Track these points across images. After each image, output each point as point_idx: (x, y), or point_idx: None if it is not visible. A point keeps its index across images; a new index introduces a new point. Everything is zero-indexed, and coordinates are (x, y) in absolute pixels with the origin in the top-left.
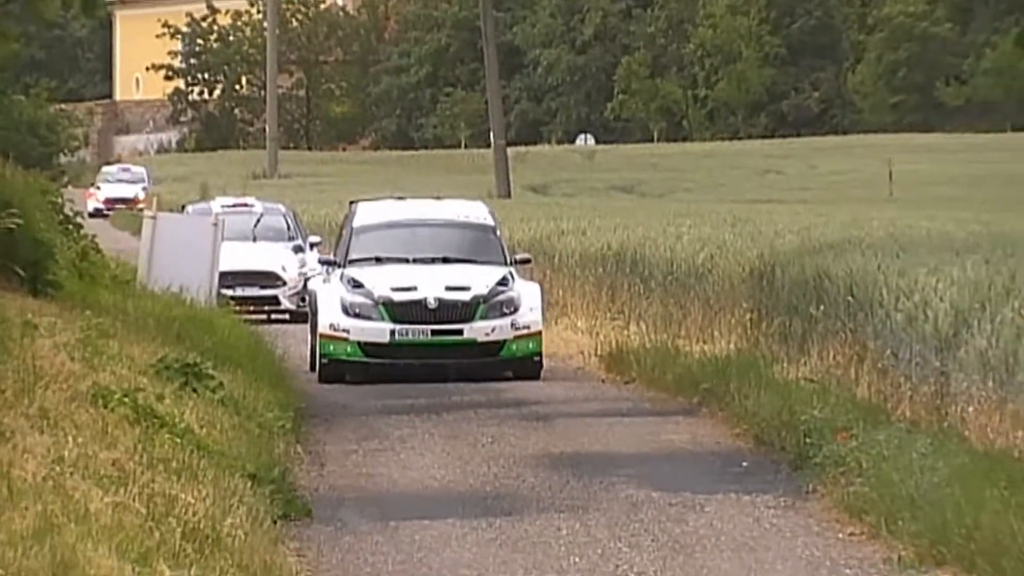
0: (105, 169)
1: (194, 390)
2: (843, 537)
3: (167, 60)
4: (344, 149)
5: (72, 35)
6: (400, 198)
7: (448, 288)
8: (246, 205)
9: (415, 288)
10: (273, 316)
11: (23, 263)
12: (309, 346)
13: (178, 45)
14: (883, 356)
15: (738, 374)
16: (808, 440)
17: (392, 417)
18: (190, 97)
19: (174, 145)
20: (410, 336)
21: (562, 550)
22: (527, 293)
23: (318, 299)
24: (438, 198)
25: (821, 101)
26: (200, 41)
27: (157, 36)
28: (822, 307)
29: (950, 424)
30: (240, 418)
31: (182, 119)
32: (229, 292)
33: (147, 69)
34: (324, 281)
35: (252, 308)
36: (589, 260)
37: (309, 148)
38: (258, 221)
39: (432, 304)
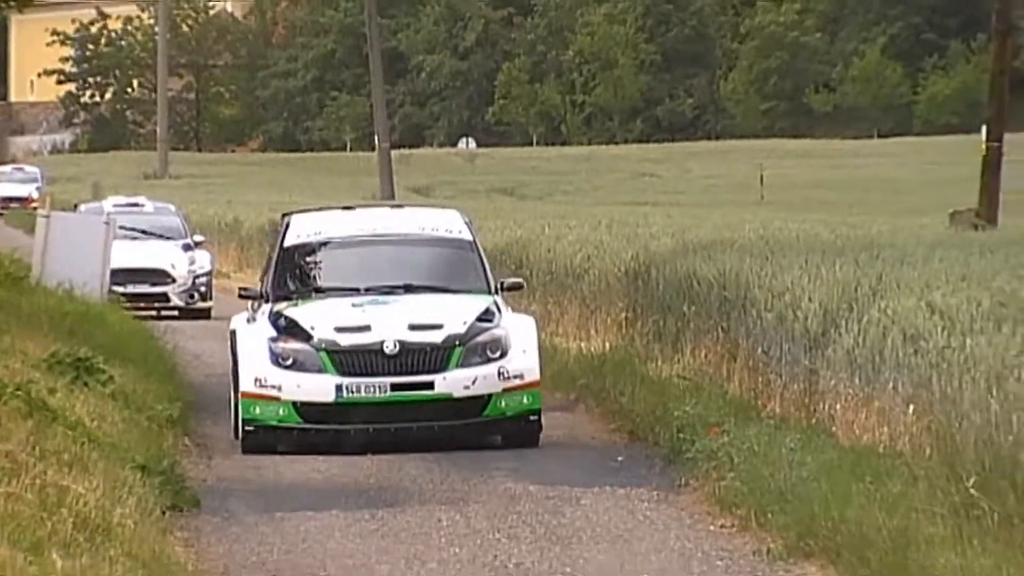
0: None
1: (85, 384)
2: (714, 530)
3: (60, 65)
4: (233, 151)
5: None
6: (348, 207)
7: (413, 327)
8: (137, 205)
9: (368, 328)
10: (163, 312)
11: None
12: (231, 403)
13: (70, 51)
14: (754, 354)
15: (614, 371)
16: (681, 435)
17: None
18: (82, 100)
19: (67, 146)
20: (363, 393)
21: (443, 540)
22: (519, 330)
23: (239, 344)
24: (398, 206)
25: (695, 107)
26: (91, 46)
27: (48, 44)
28: (694, 306)
29: (818, 420)
30: (130, 411)
31: (75, 121)
32: (120, 289)
33: (39, 75)
34: (248, 320)
35: (143, 305)
36: None
37: (199, 149)
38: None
39: (391, 349)
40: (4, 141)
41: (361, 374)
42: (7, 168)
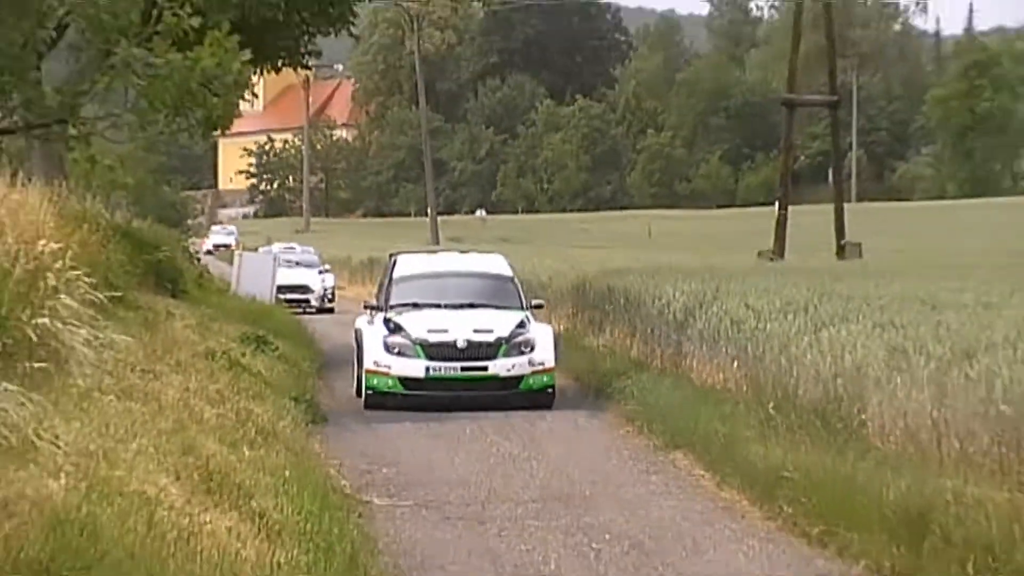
0: (213, 228)
1: (262, 350)
2: (623, 433)
3: (247, 168)
4: (347, 216)
5: (195, 152)
6: (432, 251)
7: (475, 331)
8: (291, 248)
9: (447, 331)
10: (306, 310)
11: (168, 279)
12: (355, 376)
13: (252, 160)
14: (645, 333)
15: (566, 343)
16: (604, 380)
17: None
18: (260, 188)
19: (251, 215)
20: (442, 372)
21: (467, 440)
22: (541, 334)
23: (363, 339)
24: (464, 252)
25: (612, 191)
26: (264, 157)
27: (240, 156)
28: (611, 305)
29: (682, 371)
30: (287, 366)
31: (255, 200)
32: (282, 296)
33: (235, 173)
34: (368, 323)
35: (294, 305)
36: None
37: (327, 216)
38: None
39: (462, 344)
40: (215, 211)
41: (441, 360)
42: (217, 227)
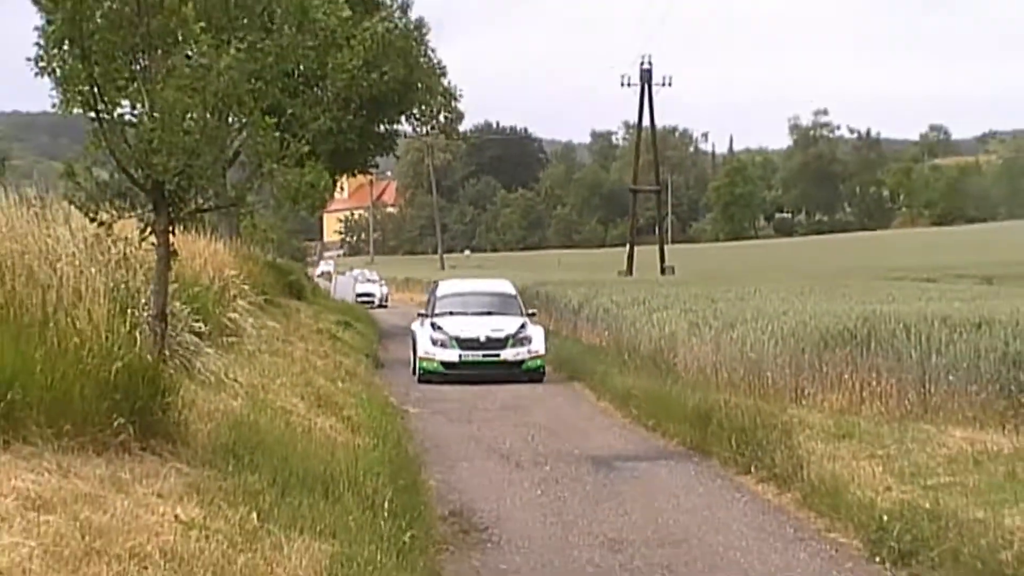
0: (320, 262)
1: (347, 328)
2: (576, 389)
3: (340, 229)
4: (394, 255)
5: (310, 221)
6: (462, 278)
7: (492, 330)
8: (363, 272)
9: (472, 330)
10: (372, 307)
11: (296, 290)
12: (412, 362)
13: (342, 224)
14: (557, 316)
15: None
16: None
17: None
18: (346, 239)
19: (342, 254)
20: (470, 358)
21: (488, 394)
22: (536, 332)
23: (416, 336)
24: (482, 278)
25: (538, 240)
26: (348, 223)
27: (337, 223)
28: (538, 301)
29: (577, 337)
30: (362, 337)
31: (343, 246)
32: (359, 299)
33: (333, 231)
34: (420, 325)
35: (366, 304)
36: None
37: (384, 255)
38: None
39: (483, 339)
40: (321, 254)
41: (470, 349)
42: (322, 262)
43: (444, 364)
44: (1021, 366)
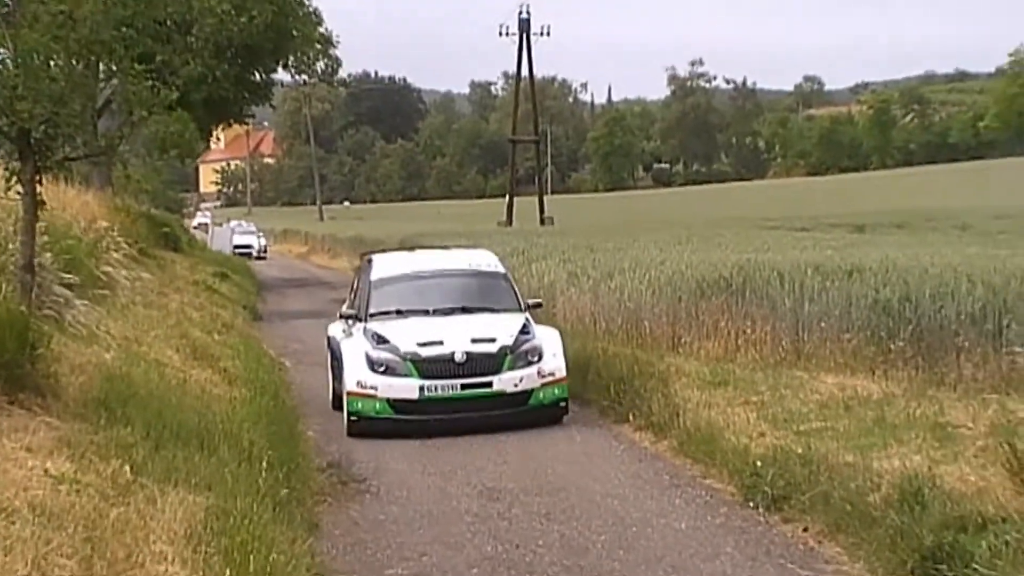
0: (197, 214)
1: (224, 280)
2: None
3: (215, 180)
4: (272, 207)
5: (187, 171)
6: (410, 249)
7: (474, 340)
8: (241, 224)
9: (441, 342)
10: (250, 258)
11: (171, 242)
12: (331, 392)
13: (218, 175)
14: None
15: None
16: None
17: (291, 289)
18: (223, 191)
19: (218, 206)
20: (439, 391)
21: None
22: (548, 339)
23: (343, 355)
24: (445, 247)
25: (418, 191)
26: (225, 174)
27: (212, 174)
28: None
29: None
30: (240, 290)
31: (220, 198)
32: (236, 251)
33: (210, 183)
34: (345, 334)
35: (243, 255)
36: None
37: (261, 206)
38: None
39: (460, 358)
40: (198, 205)
41: (437, 377)
42: (199, 213)
43: (395, 404)
44: (890, 313)
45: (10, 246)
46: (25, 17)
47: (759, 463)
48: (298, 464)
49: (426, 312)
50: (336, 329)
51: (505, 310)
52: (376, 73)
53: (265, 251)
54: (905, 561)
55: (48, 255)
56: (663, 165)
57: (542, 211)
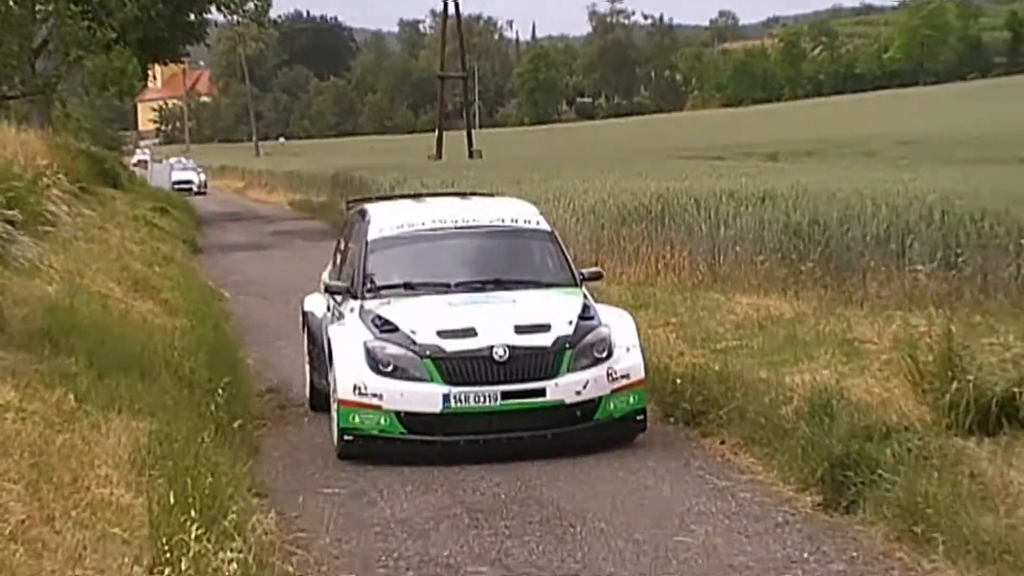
0: (136, 151)
1: (164, 215)
2: None
3: (153, 119)
4: (210, 144)
5: (125, 109)
6: (416, 196)
7: (519, 329)
8: (182, 161)
9: (472, 331)
10: (190, 193)
11: (111, 179)
12: (307, 380)
13: (156, 114)
14: (372, 195)
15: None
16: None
17: (229, 223)
18: (161, 129)
19: (157, 143)
20: (471, 402)
21: (277, 258)
22: (619, 326)
23: (332, 346)
24: (462, 195)
25: (351, 127)
26: (162, 112)
27: (150, 112)
28: (350, 185)
29: None
30: (179, 224)
31: (159, 135)
32: (176, 187)
33: (148, 121)
34: (333, 315)
35: (183, 191)
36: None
37: (199, 143)
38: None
39: (500, 355)
40: (137, 143)
41: (470, 383)
42: (138, 151)
43: (407, 420)
44: (801, 236)
45: None
46: None
47: (678, 381)
48: (238, 390)
49: (446, 287)
50: (316, 304)
51: (554, 284)
52: (308, 13)
53: (205, 187)
54: (815, 469)
55: None
56: (586, 99)
57: (471, 145)
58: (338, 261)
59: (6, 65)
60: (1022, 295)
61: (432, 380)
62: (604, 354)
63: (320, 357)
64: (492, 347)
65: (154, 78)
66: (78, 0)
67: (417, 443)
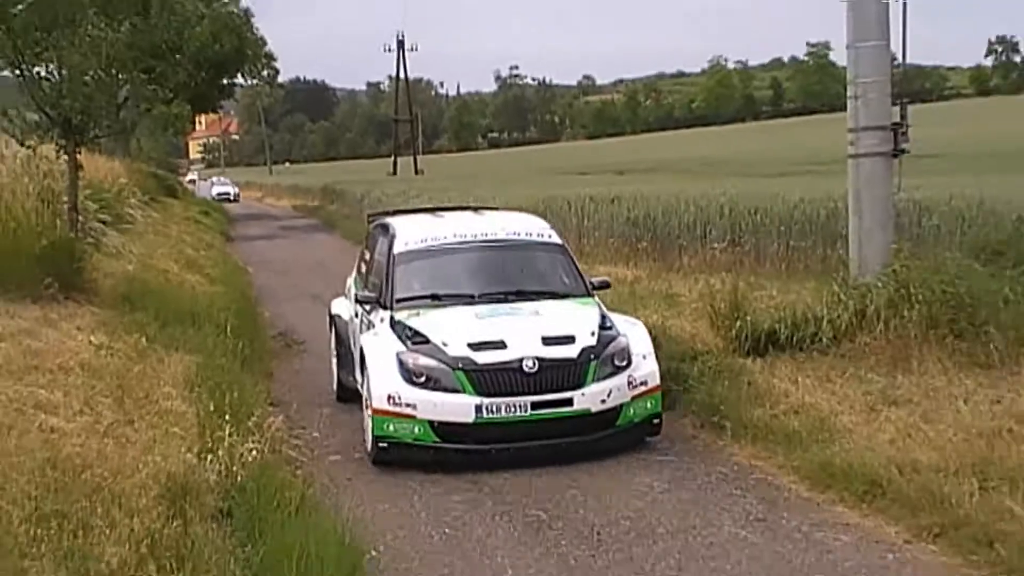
0: (188, 173)
1: (207, 216)
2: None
3: (200, 150)
4: (239, 167)
5: (179, 144)
6: (432, 210)
7: (546, 340)
8: (220, 178)
9: (502, 343)
10: (227, 202)
11: (171, 192)
12: (335, 378)
13: (201, 146)
14: (350, 206)
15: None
16: (316, 210)
17: (251, 221)
18: (205, 158)
19: (202, 167)
20: (503, 413)
21: (287, 245)
22: (634, 334)
23: (366, 356)
24: (475, 209)
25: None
26: (205, 146)
27: (198, 145)
28: (335, 195)
29: (362, 216)
30: (217, 222)
31: (203, 162)
32: (216, 197)
33: (196, 152)
34: (362, 323)
35: (222, 201)
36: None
37: (233, 167)
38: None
39: (530, 366)
40: (188, 167)
41: (501, 393)
42: (188, 173)
43: (440, 428)
44: (638, 225)
45: (63, 197)
46: (68, 40)
47: None
48: (257, 334)
49: (470, 298)
50: (342, 308)
51: (570, 295)
52: (304, 77)
53: (238, 197)
54: None
55: (89, 202)
56: (494, 134)
57: (415, 165)
58: (363, 270)
59: (98, 115)
60: (782, 264)
61: (464, 391)
62: (624, 363)
63: (348, 357)
64: (522, 359)
65: (200, 122)
66: (145, 71)
67: (450, 451)
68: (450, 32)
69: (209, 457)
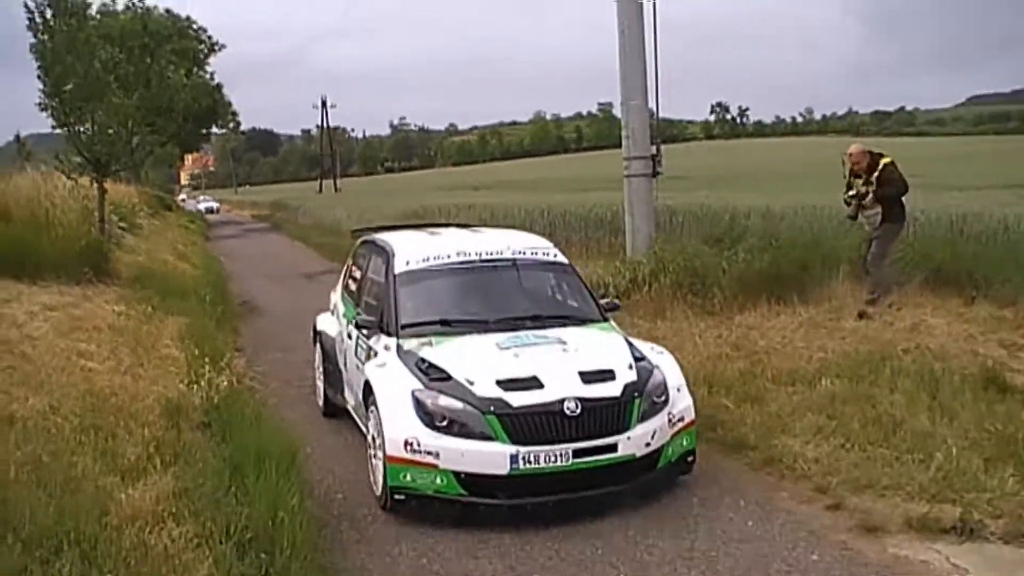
0: (179, 195)
1: (194, 224)
2: (288, 239)
3: (188, 178)
4: (217, 190)
5: (171, 171)
6: (427, 226)
7: (586, 377)
8: (205, 197)
9: (537, 381)
10: (211, 215)
11: (168, 208)
12: (321, 395)
13: (190, 175)
14: (290, 212)
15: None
16: (277, 218)
17: (222, 226)
18: (191, 184)
19: (190, 190)
20: (542, 463)
21: (259, 237)
22: (665, 365)
23: (375, 392)
24: (467, 226)
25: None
26: (192, 175)
27: (186, 174)
28: (281, 210)
29: (297, 221)
30: (199, 227)
31: (191, 186)
32: (202, 211)
33: (186, 178)
34: (359, 347)
35: (205, 215)
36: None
37: (213, 190)
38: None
39: (572, 409)
40: (179, 190)
41: (539, 442)
42: (180, 194)
43: (466, 480)
44: (485, 222)
45: (94, 212)
46: (98, 107)
47: None
48: (227, 303)
49: (484, 324)
50: (328, 324)
51: (586, 320)
52: (258, 127)
53: (219, 211)
54: None
55: (113, 216)
56: (389, 164)
57: (335, 185)
58: (351, 288)
59: (118, 157)
60: (583, 248)
61: (497, 438)
62: (663, 398)
63: (336, 375)
64: (563, 401)
65: (187, 159)
66: (149, 125)
67: (479, 505)
68: (359, 95)
69: (195, 387)
